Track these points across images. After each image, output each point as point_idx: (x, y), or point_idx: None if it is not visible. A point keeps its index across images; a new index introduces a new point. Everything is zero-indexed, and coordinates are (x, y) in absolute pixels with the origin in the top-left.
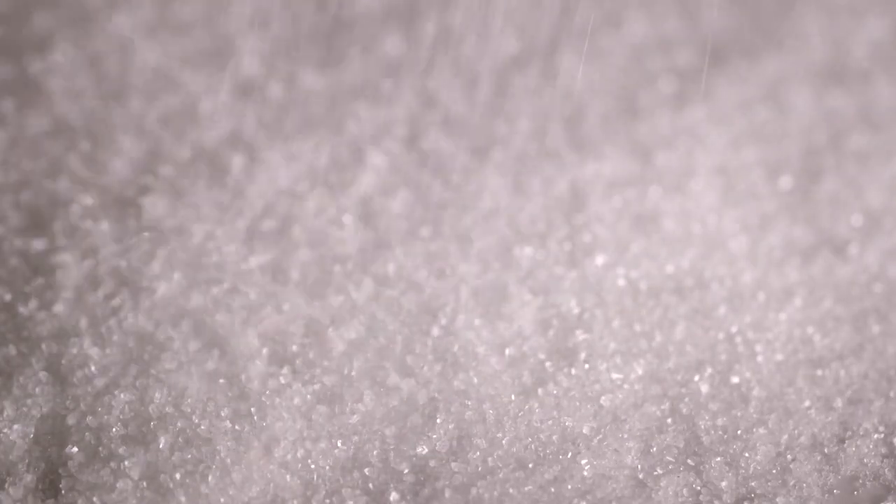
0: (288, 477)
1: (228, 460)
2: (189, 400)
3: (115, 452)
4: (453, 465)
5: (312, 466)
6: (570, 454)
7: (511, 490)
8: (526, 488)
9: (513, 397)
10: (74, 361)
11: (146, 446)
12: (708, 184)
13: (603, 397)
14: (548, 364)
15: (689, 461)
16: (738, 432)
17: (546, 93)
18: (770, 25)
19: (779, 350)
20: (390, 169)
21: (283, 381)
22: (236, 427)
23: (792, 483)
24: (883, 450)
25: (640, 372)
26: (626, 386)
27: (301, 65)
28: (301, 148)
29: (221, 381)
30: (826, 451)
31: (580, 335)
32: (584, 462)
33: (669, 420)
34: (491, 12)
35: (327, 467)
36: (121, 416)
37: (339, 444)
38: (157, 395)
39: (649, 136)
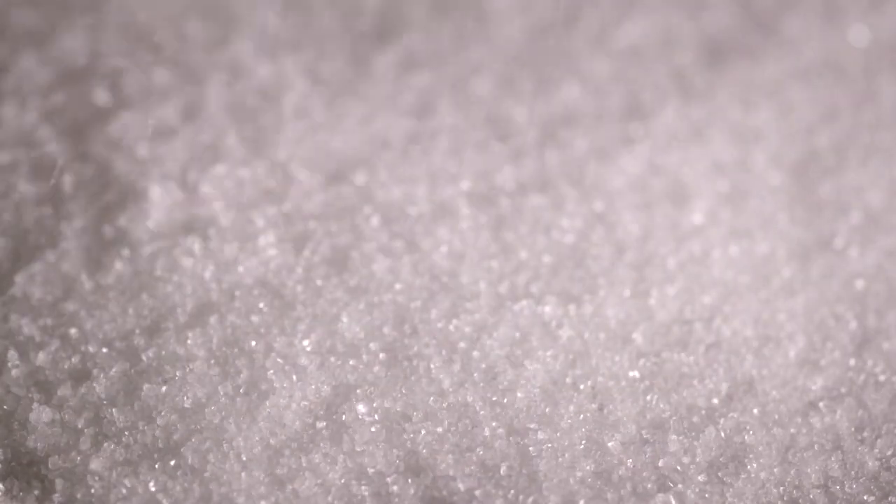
0: None
1: None
2: None
3: None
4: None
5: None
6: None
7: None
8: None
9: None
10: None
11: None
12: (708, 183)
13: (601, 396)
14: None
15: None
16: (739, 433)
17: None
18: (770, 25)
19: (779, 350)
20: None
21: None
22: None
23: (793, 483)
24: (887, 451)
25: (639, 372)
26: (624, 385)
27: None
28: None
29: None
30: (826, 452)
31: (581, 334)
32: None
33: (668, 417)
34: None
35: None
36: None
37: None
38: None
39: (649, 136)
